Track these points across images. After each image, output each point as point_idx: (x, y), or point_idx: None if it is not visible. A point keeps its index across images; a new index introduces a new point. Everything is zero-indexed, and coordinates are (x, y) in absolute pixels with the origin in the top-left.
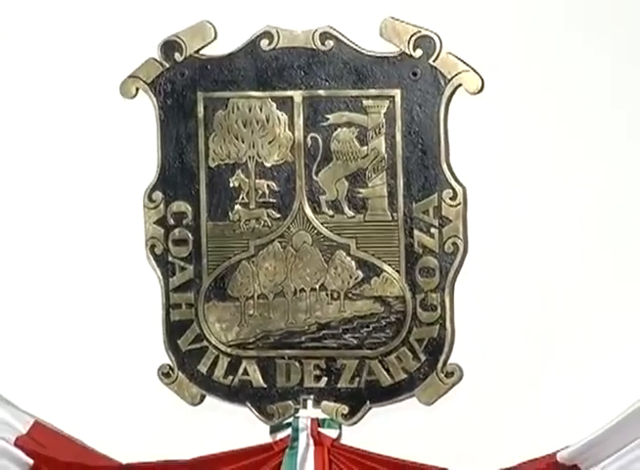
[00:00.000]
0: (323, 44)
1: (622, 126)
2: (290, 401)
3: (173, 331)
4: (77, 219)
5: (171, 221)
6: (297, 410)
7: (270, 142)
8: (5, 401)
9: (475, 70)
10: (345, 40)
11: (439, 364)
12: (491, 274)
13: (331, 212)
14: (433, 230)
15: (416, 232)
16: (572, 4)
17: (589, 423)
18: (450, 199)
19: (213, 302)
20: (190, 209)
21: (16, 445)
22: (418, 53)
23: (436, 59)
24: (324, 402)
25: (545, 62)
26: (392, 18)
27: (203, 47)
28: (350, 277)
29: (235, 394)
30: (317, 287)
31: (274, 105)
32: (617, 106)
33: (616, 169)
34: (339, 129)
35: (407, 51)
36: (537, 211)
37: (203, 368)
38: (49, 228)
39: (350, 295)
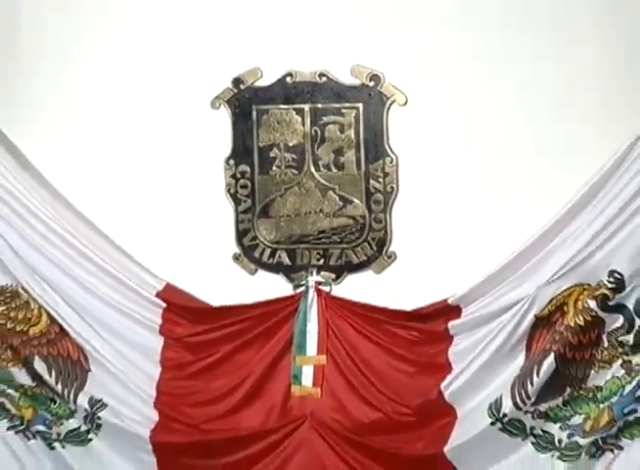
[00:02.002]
0: (320, 79)
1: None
2: (303, 272)
3: (240, 234)
4: (192, 175)
5: (238, 176)
6: (307, 277)
7: (292, 132)
8: (145, 268)
9: (402, 93)
10: (332, 77)
11: (384, 251)
12: (412, 203)
13: (325, 170)
14: (380, 180)
15: (371, 181)
16: (463, 48)
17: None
18: (390, 162)
19: (262, 219)
20: (249, 169)
21: (156, 296)
22: (372, 83)
23: (382, 87)
24: (322, 272)
25: (443, 88)
26: (358, 65)
27: (255, 81)
28: (335, 205)
29: (274, 268)
30: (318, 211)
31: (294, 112)
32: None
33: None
34: (329, 125)
35: (366, 83)
36: (437, 168)
37: (256, 254)
38: (181, 184)
39: (336, 215)
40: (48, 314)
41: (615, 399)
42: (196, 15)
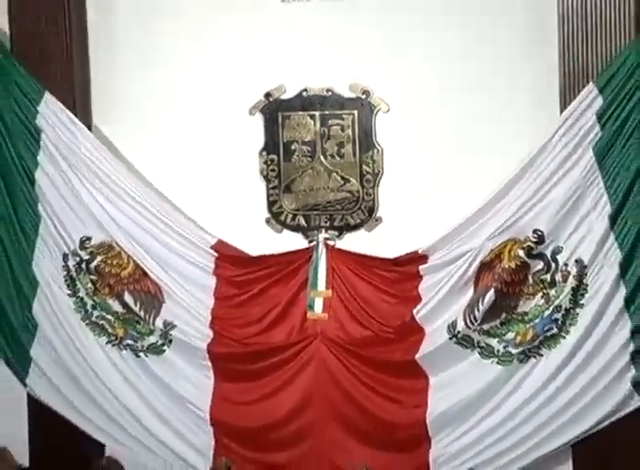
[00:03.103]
0: (327, 93)
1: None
2: (315, 231)
3: (270, 204)
4: (235, 162)
5: (269, 163)
6: (318, 234)
7: (306, 131)
8: (203, 228)
9: (386, 103)
10: (336, 91)
11: (373, 216)
12: (393, 181)
13: (330, 158)
14: (370, 165)
15: (363, 166)
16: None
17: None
18: (377, 153)
19: (285, 193)
20: (276, 157)
21: (211, 248)
22: (364, 96)
23: (371, 99)
24: (329, 231)
25: (414, 100)
26: (355, 83)
27: (280, 95)
28: (338, 183)
29: (294, 228)
30: (325, 187)
31: (308, 117)
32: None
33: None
34: (333, 126)
35: (359, 96)
36: (411, 156)
37: (282, 219)
38: (228, 169)
39: (338, 190)
40: (134, 261)
41: (537, 320)
42: (242, 51)
